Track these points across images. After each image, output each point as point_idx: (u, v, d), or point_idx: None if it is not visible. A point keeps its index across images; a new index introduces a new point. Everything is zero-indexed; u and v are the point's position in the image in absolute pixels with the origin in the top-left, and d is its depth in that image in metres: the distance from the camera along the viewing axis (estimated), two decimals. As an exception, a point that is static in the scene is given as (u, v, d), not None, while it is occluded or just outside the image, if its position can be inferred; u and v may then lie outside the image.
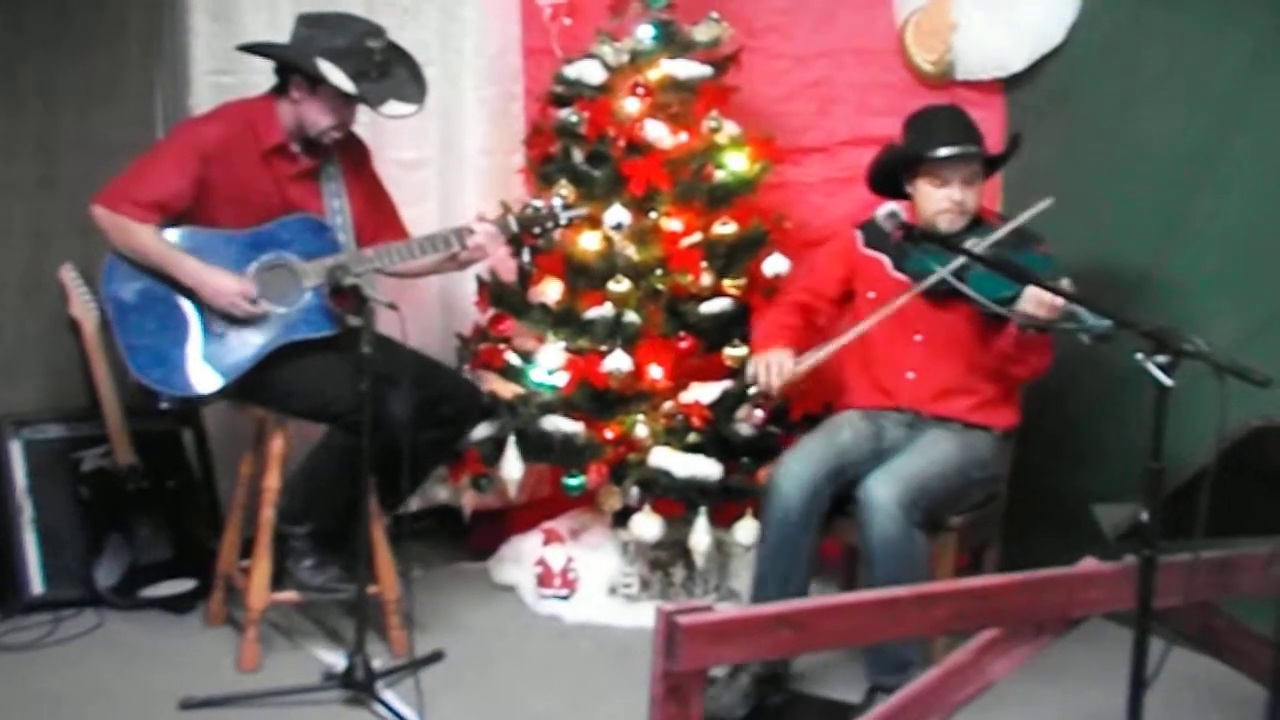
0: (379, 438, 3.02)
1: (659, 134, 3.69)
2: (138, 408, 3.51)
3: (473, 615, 3.67)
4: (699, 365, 3.73)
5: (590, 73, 3.75)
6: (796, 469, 3.16)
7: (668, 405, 3.63)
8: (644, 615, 2.73)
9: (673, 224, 3.69)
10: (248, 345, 3.21)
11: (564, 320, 3.70)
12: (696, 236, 3.68)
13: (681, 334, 3.69)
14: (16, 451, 3.58)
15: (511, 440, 3.60)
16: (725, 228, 3.70)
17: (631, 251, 3.67)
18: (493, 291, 3.83)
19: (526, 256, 3.69)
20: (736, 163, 3.75)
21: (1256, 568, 2.45)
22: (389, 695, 3.07)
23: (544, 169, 3.83)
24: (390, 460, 3.08)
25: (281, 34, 3.40)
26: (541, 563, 3.77)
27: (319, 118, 3.27)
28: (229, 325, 3.20)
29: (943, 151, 3.21)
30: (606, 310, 3.64)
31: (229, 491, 3.55)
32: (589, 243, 3.67)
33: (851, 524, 3.12)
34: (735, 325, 3.72)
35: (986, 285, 3.01)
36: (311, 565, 3.32)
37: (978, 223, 3.29)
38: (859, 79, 4.07)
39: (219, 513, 3.69)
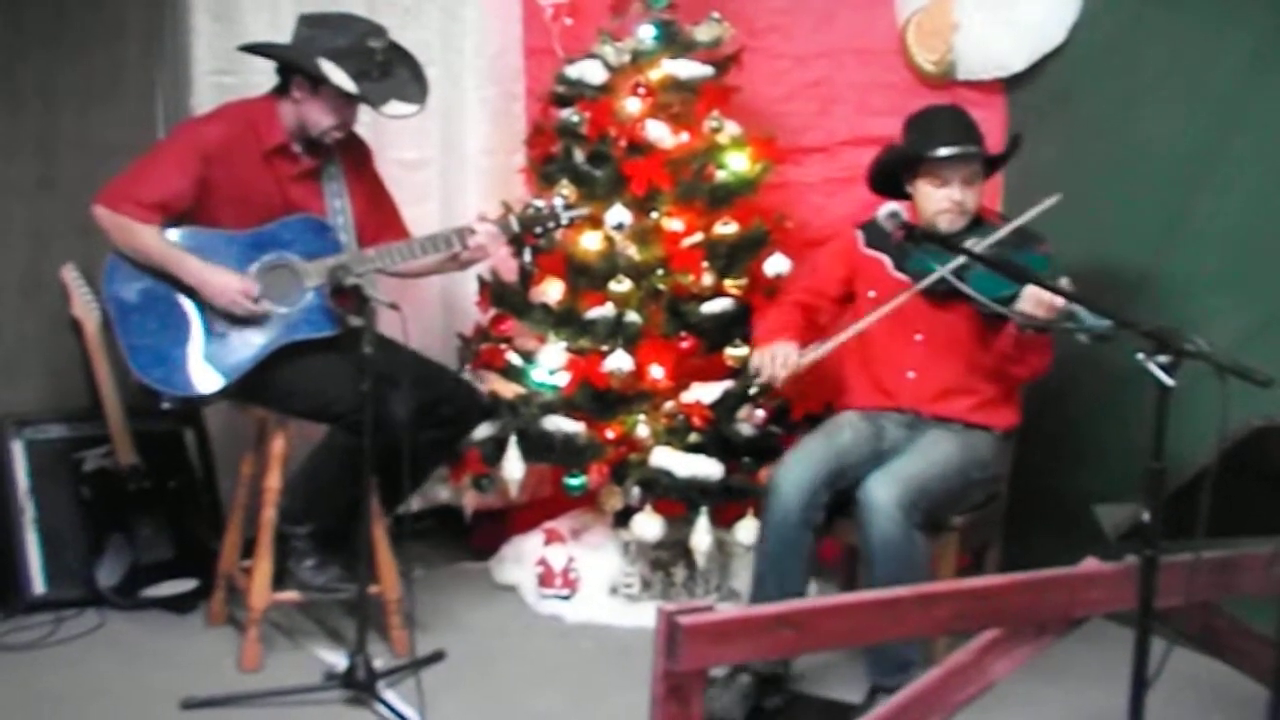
0: (380, 438, 3.02)
1: (660, 134, 3.69)
2: (139, 408, 3.51)
3: (474, 615, 3.67)
4: (700, 365, 3.73)
5: (591, 73, 3.75)
6: (797, 470, 3.16)
7: (669, 405, 3.64)
8: (645, 615, 2.74)
9: (674, 224, 3.69)
10: (249, 345, 3.21)
11: (565, 320, 3.70)
12: (698, 236, 3.69)
13: (683, 334, 3.69)
14: (18, 451, 3.58)
15: (513, 440, 3.61)
16: (726, 228, 3.71)
17: (633, 251, 3.67)
18: (494, 291, 3.83)
19: (528, 256, 3.69)
20: (737, 163, 3.76)
21: (1258, 568, 2.45)
22: (390, 695, 3.07)
23: (545, 169, 3.83)
24: (391, 460, 3.08)
25: (283, 34, 3.40)
26: (543, 563, 3.77)
27: (321, 118, 3.27)
28: (230, 325, 3.20)
29: (943, 151, 3.21)
30: (608, 310, 3.64)
31: (230, 491, 3.56)
32: (590, 243, 3.68)
33: (852, 524, 3.12)
34: (736, 325, 3.72)
35: (987, 285, 3.01)
36: (313, 565, 3.32)
37: (978, 223, 3.29)
38: (860, 79, 4.07)
39: (220, 513, 3.69)
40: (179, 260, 3.17)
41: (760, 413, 3.68)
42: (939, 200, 3.24)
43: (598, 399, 3.64)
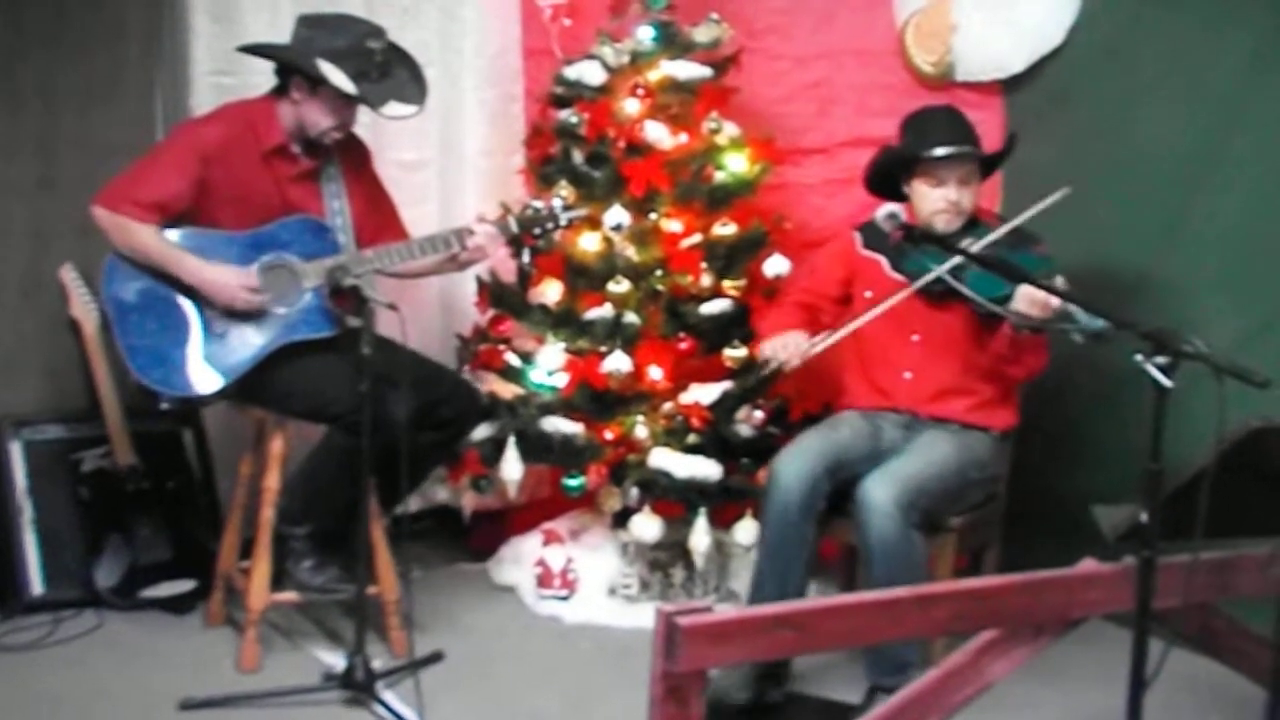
0: (378, 438, 3.02)
1: (659, 135, 3.69)
2: (138, 408, 3.51)
3: (472, 616, 3.67)
4: (699, 366, 3.73)
5: (590, 74, 3.75)
6: (797, 460, 3.16)
7: (667, 406, 3.64)
8: (644, 616, 2.74)
9: (673, 225, 3.69)
10: (248, 345, 3.21)
11: (564, 321, 3.70)
12: (696, 237, 3.69)
13: (681, 335, 3.69)
14: (16, 452, 3.58)
15: (511, 441, 3.61)
16: (725, 229, 3.71)
17: (631, 252, 3.67)
18: (493, 292, 3.83)
19: (526, 257, 3.68)
20: (736, 164, 3.76)
21: (1255, 568, 2.45)
22: (389, 696, 3.07)
23: (544, 170, 3.83)
24: (390, 461, 3.08)
25: (282, 35, 3.40)
26: (541, 563, 3.77)
27: (319, 119, 3.27)
28: (230, 325, 3.20)
29: (938, 151, 3.21)
30: (606, 311, 3.64)
31: (229, 492, 3.55)
32: (589, 244, 3.68)
33: (850, 524, 3.12)
34: (735, 326, 3.72)
35: (983, 285, 3.02)
36: (311, 566, 3.32)
37: (975, 223, 3.29)
38: (859, 80, 4.07)
39: (219, 513, 3.69)
40: (178, 259, 3.17)
41: (759, 414, 3.68)
42: (935, 200, 3.25)
43: (596, 400, 3.64)
